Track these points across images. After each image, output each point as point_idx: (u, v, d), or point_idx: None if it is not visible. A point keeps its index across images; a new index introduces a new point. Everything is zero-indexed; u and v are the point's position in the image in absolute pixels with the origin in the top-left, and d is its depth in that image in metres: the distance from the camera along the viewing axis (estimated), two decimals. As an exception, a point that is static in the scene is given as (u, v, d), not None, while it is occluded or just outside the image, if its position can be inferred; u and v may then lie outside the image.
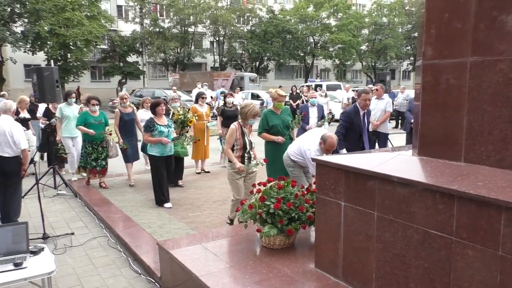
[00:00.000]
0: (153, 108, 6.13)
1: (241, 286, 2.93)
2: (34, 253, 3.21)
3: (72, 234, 5.06)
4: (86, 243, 4.82)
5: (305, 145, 4.71)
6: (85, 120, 6.80)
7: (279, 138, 5.40)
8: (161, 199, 6.01)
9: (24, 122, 7.81)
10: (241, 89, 21.68)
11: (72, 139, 7.48)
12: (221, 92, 11.09)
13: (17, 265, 3.00)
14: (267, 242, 3.55)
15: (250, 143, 4.79)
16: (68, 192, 6.84)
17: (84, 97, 8.46)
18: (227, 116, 8.35)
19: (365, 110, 5.52)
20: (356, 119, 5.48)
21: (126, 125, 7.18)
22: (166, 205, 5.98)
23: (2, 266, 2.99)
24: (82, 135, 7.00)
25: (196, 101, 8.50)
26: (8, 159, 4.89)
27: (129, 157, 7.24)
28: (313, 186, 3.62)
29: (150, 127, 5.92)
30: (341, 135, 5.38)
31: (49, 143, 7.38)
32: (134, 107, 7.65)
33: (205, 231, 4.59)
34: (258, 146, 5.18)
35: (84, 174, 7.37)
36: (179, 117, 7.15)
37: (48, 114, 8.04)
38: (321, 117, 7.69)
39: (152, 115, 6.14)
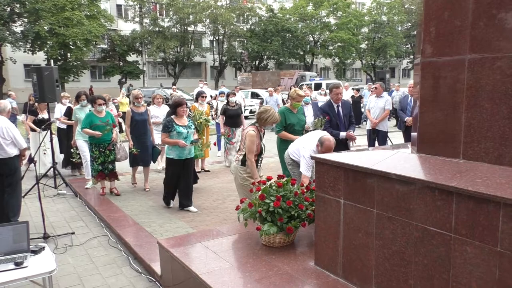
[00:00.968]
0: (175, 107, 5.77)
1: (241, 284, 2.94)
2: (35, 252, 3.22)
3: (73, 233, 5.07)
4: (87, 242, 4.83)
5: (303, 145, 4.72)
6: (90, 122, 6.30)
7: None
8: (169, 201, 5.92)
9: (42, 124, 7.61)
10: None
11: (86, 142, 6.84)
12: (221, 92, 11.01)
13: (18, 264, 3.01)
14: (267, 240, 3.56)
15: (264, 146, 4.68)
16: (68, 191, 6.85)
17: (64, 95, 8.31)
18: (230, 115, 8.37)
19: (338, 103, 6.15)
20: (331, 112, 6.08)
21: (138, 125, 6.74)
22: (170, 204, 5.91)
23: (3, 266, 2.99)
24: (88, 138, 6.48)
25: (196, 100, 8.45)
26: (3, 160, 4.80)
27: (137, 160, 6.78)
28: (313, 184, 3.62)
29: (168, 127, 5.59)
30: (327, 127, 6.06)
31: (66, 145, 7.21)
32: (148, 107, 7.22)
33: (205, 229, 4.59)
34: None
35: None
36: (200, 121, 6.85)
37: (70, 113, 7.84)
38: (317, 115, 7.55)
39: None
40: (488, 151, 2.36)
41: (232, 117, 8.40)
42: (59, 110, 8.30)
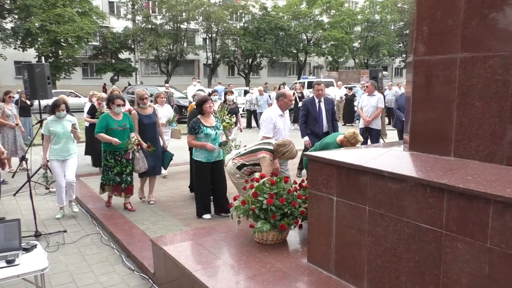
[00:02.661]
0: (200, 106, 5.25)
1: (235, 282, 2.95)
2: (27, 250, 3.20)
3: (65, 231, 5.04)
4: (79, 240, 4.80)
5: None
6: (106, 126, 5.44)
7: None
8: (201, 211, 5.29)
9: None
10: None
11: (62, 162, 5.50)
12: (214, 91, 10.83)
13: (10, 262, 2.98)
14: (260, 237, 3.57)
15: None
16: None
17: (101, 95, 7.67)
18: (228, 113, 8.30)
19: (320, 98, 6.66)
20: (311, 107, 6.64)
21: (147, 130, 5.92)
22: (205, 216, 5.27)
23: (-6, 263, 2.97)
24: (102, 144, 5.58)
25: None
26: None
27: (148, 170, 5.85)
28: (305, 182, 3.64)
29: (195, 129, 5.10)
30: (303, 121, 6.73)
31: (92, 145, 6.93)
32: (155, 107, 6.43)
33: (199, 227, 4.59)
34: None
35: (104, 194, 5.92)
36: (227, 124, 6.36)
37: (94, 111, 7.46)
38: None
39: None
40: (478, 149, 2.39)
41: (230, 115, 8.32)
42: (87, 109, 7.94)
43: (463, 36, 2.42)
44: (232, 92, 8.85)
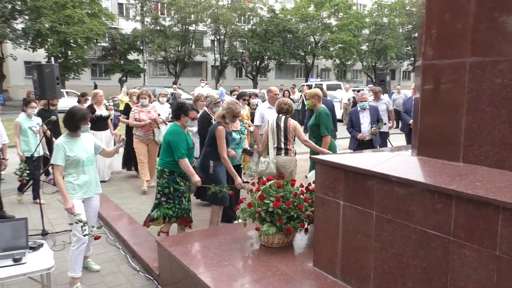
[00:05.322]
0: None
1: (240, 284, 2.94)
2: (33, 249, 3.22)
3: (71, 231, 5.05)
4: (85, 240, 4.82)
5: None
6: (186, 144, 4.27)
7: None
8: (229, 214, 5.00)
9: (100, 121, 6.89)
10: None
11: (86, 202, 3.81)
12: (232, 91, 10.30)
13: (17, 261, 3.01)
14: (266, 240, 3.56)
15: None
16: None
17: (144, 91, 7.05)
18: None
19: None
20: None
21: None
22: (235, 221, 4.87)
23: (1, 262, 3.00)
24: (169, 165, 4.26)
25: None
26: None
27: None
28: (312, 185, 3.62)
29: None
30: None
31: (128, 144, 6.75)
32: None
33: (204, 229, 4.59)
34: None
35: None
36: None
37: (128, 110, 7.24)
38: (375, 121, 6.73)
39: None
40: (488, 155, 2.36)
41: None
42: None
43: (472, 40, 2.40)
44: (256, 95, 8.31)
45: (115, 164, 8.03)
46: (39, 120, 6.19)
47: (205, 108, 5.69)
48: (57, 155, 3.51)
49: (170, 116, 7.54)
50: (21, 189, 6.22)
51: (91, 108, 6.93)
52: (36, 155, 5.89)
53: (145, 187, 6.68)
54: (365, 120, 6.69)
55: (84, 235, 3.57)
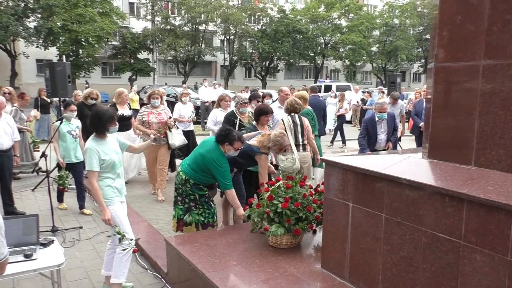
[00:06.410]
0: (258, 115, 4.96)
1: (247, 284, 2.94)
2: (44, 245, 3.26)
3: (81, 228, 5.12)
4: (94, 237, 4.87)
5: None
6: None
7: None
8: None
9: (123, 121, 6.22)
10: None
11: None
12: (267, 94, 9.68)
13: (27, 257, 3.05)
14: (274, 241, 3.56)
15: None
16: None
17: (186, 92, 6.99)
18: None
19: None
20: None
21: None
22: None
23: (12, 257, 3.03)
24: (200, 180, 4.09)
25: (249, 102, 6.18)
26: None
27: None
28: (321, 187, 3.62)
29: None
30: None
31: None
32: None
33: (212, 228, 4.60)
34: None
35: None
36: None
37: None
38: (392, 131, 6.41)
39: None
40: (500, 159, 2.34)
41: None
42: (178, 109, 7.39)
43: (486, 42, 2.37)
44: (271, 96, 7.97)
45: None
46: (78, 123, 5.85)
47: (234, 108, 5.77)
48: (92, 160, 3.31)
49: (194, 115, 7.56)
50: (60, 199, 5.92)
51: (114, 108, 6.54)
52: (75, 161, 5.69)
53: (161, 197, 6.24)
54: (382, 132, 6.33)
55: (124, 249, 3.42)
